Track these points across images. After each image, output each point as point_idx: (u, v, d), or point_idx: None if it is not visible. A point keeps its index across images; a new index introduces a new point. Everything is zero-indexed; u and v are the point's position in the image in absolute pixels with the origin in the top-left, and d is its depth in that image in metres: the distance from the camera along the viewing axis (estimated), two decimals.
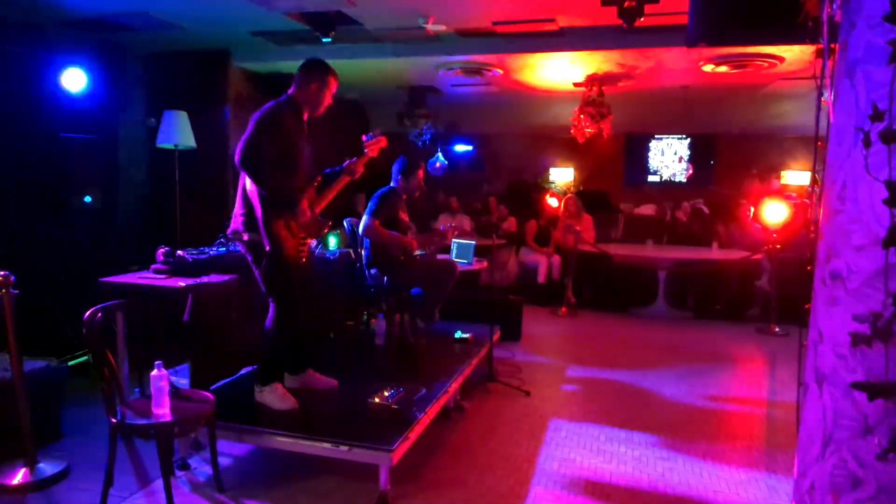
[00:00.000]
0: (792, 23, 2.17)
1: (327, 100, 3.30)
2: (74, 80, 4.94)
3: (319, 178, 3.47)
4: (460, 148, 9.37)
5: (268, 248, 3.11)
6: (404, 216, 4.54)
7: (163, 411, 2.64)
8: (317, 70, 3.25)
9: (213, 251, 4.06)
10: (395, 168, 4.54)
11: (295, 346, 3.42)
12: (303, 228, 3.20)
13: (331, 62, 3.35)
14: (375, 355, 4.44)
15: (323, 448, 2.88)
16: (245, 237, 3.20)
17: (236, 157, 3.00)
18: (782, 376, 5.02)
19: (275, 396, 3.22)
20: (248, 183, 3.12)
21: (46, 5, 4.80)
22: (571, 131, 7.37)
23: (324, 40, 5.17)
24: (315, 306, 3.55)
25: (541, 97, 8.71)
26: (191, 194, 5.74)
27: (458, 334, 4.67)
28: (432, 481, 3.09)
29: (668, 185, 9.41)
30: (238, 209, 3.24)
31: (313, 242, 3.59)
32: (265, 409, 3.20)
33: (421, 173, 4.60)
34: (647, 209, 9.41)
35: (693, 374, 4.98)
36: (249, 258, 3.23)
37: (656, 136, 9.36)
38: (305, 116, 3.30)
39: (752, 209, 7.68)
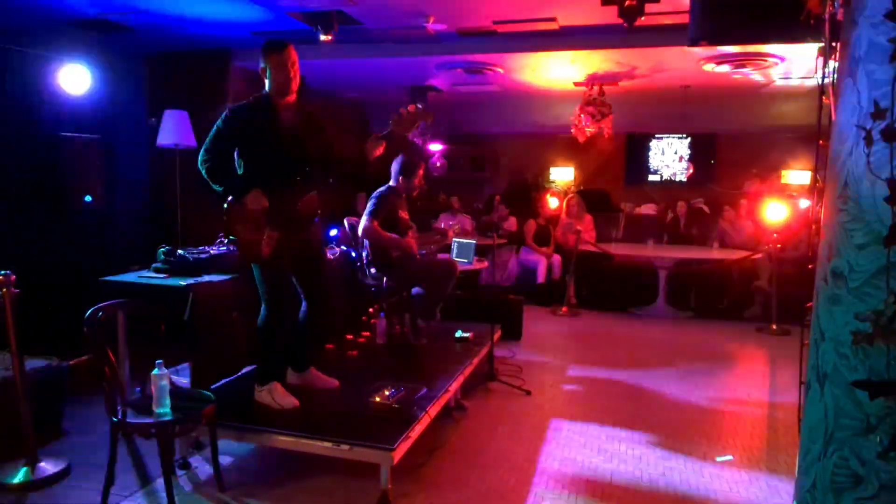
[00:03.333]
0: (793, 21, 2.17)
1: (288, 76, 3.08)
2: (75, 79, 4.94)
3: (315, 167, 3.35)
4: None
5: (226, 242, 3.14)
6: (404, 215, 4.54)
7: (163, 410, 2.64)
8: (264, 52, 3.13)
9: (213, 250, 4.06)
10: (394, 167, 4.54)
11: (299, 343, 3.42)
12: (271, 219, 3.09)
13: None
14: (376, 354, 4.44)
15: (324, 447, 2.88)
16: (227, 238, 3.22)
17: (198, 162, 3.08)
18: (783, 375, 5.02)
19: (274, 396, 3.22)
20: None
21: (47, 5, 4.79)
22: (572, 131, 7.37)
23: (322, 38, 5.15)
24: (322, 302, 3.51)
25: (541, 96, 8.71)
26: (191, 194, 5.73)
27: (459, 333, 4.67)
28: (433, 480, 3.10)
29: (669, 185, 9.39)
30: None
31: (326, 241, 3.55)
32: (266, 408, 3.20)
33: (421, 172, 4.59)
34: (648, 209, 9.41)
35: (694, 374, 4.98)
36: None
37: (657, 136, 9.35)
38: (286, 103, 3.17)
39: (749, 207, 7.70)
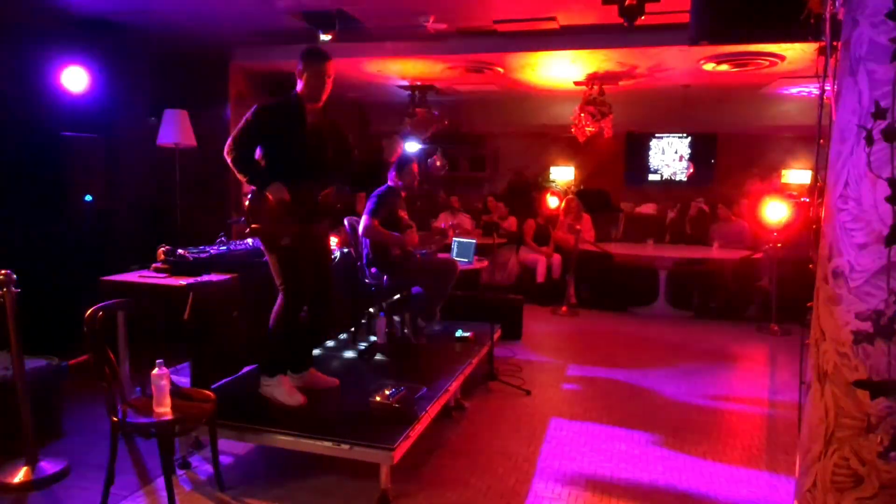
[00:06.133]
0: (794, 20, 2.17)
1: (325, 86, 3.28)
2: (75, 78, 4.94)
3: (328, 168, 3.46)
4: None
5: (247, 231, 3.24)
6: (404, 214, 4.54)
7: (164, 410, 2.64)
8: (306, 58, 3.27)
9: (213, 249, 4.06)
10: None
11: (298, 344, 3.42)
12: (291, 213, 3.20)
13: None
14: (376, 354, 4.44)
15: (324, 447, 2.88)
16: (249, 228, 3.27)
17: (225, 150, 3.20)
18: (783, 375, 5.02)
19: (282, 391, 3.24)
20: None
21: (47, 4, 4.79)
22: (572, 130, 7.36)
23: (323, 38, 5.15)
24: (325, 302, 3.55)
25: (541, 96, 8.70)
26: (191, 193, 5.74)
27: (459, 333, 4.67)
28: (433, 480, 3.09)
29: (669, 184, 9.39)
30: None
31: (334, 239, 3.63)
32: (267, 407, 3.20)
33: (415, 166, 4.60)
34: (648, 208, 9.41)
35: (694, 373, 4.98)
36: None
37: (657, 135, 9.35)
38: (314, 107, 3.30)
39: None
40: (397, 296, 4.61)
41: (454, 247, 5.95)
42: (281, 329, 3.29)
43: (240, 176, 3.24)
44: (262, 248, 3.35)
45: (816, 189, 2.17)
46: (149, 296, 3.46)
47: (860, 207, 1.76)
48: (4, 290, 2.90)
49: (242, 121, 3.21)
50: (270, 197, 3.15)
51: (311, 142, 3.30)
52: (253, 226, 3.22)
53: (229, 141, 3.19)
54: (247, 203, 3.25)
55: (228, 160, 3.19)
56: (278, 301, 3.31)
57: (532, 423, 3.86)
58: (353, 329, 4.75)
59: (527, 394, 4.37)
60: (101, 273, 3.64)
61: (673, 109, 8.72)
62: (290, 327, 3.30)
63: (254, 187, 3.22)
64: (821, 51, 2.05)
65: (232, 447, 3.31)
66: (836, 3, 1.92)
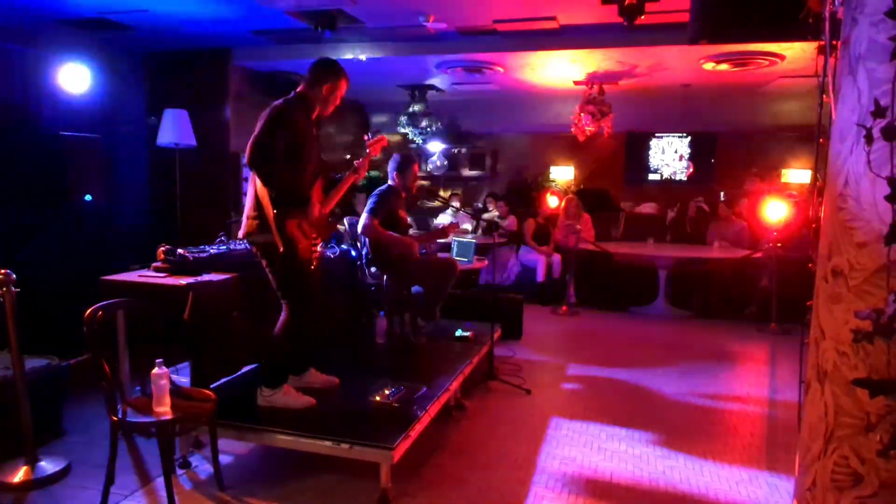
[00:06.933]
0: (794, 20, 2.17)
1: (334, 100, 3.27)
2: (75, 78, 4.94)
3: (328, 177, 3.45)
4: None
5: (281, 250, 3.06)
6: (403, 214, 4.54)
7: (163, 409, 2.64)
8: (331, 71, 3.22)
9: (213, 249, 4.06)
10: (390, 166, 4.55)
11: (300, 347, 3.42)
12: (314, 227, 3.20)
13: None
14: (376, 354, 4.44)
15: (324, 446, 2.88)
16: (259, 239, 3.13)
17: (246, 156, 2.99)
18: (783, 374, 5.02)
19: (288, 398, 3.21)
20: (259, 184, 3.07)
21: (46, 4, 4.79)
22: (572, 130, 7.37)
23: (326, 34, 5.15)
24: (324, 306, 3.55)
25: (541, 96, 8.71)
26: (191, 193, 5.74)
27: (459, 333, 4.67)
28: (433, 479, 3.09)
29: (669, 184, 9.40)
30: (249, 211, 3.17)
31: (321, 243, 3.60)
32: (269, 407, 3.19)
33: (416, 167, 4.61)
34: (648, 208, 9.41)
35: (694, 373, 4.98)
36: (264, 262, 3.18)
37: (657, 135, 9.35)
38: (314, 115, 3.28)
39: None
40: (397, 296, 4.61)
41: (454, 247, 5.96)
42: (288, 342, 3.24)
43: (271, 191, 3.02)
44: (271, 260, 3.15)
45: (816, 188, 2.17)
46: (149, 296, 3.46)
47: (860, 206, 1.76)
48: (4, 289, 2.91)
49: (264, 123, 2.97)
50: (313, 214, 3.11)
51: (318, 144, 3.28)
52: (292, 246, 3.08)
53: (254, 148, 2.93)
54: (276, 220, 3.03)
55: (258, 171, 2.97)
56: (285, 315, 3.22)
57: (532, 423, 3.86)
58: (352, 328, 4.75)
59: (527, 393, 4.37)
60: (101, 273, 3.64)
61: (673, 109, 8.72)
62: (296, 340, 3.26)
63: (278, 203, 3.03)
64: (820, 50, 2.05)
65: (232, 447, 3.31)
66: (836, 2, 1.92)
